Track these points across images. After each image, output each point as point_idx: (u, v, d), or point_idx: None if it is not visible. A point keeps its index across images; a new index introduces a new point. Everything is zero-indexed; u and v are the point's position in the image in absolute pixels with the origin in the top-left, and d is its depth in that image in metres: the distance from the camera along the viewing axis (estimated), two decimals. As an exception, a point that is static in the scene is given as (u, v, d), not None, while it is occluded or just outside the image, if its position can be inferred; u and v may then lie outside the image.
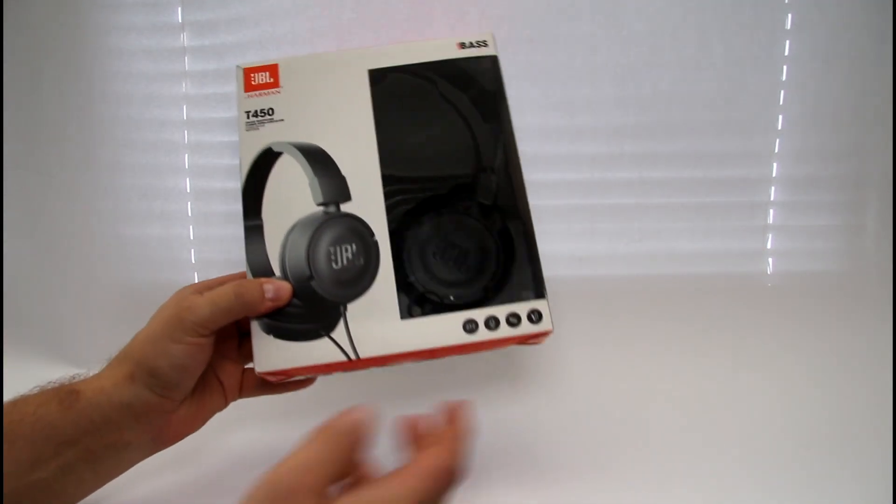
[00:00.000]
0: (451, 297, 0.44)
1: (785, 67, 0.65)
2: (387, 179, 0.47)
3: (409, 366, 0.46)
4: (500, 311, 0.44)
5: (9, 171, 0.71)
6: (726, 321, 0.66)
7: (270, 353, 0.43)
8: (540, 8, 0.64)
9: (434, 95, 0.50)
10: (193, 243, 0.70)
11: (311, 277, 0.45)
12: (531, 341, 0.45)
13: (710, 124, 0.65)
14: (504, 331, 0.43)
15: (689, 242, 0.67)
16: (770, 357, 0.64)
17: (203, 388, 0.45)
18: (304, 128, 0.49)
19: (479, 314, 0.44)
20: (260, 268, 0.46)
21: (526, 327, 0.44)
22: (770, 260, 0.68)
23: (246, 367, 0.49)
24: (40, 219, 0.71)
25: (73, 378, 0.43)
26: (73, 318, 0.71)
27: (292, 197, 0.47)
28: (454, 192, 0.47)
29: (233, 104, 0.67)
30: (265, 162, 0.48)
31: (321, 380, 0.50)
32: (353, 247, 0.46)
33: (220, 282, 0.46)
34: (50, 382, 0.43)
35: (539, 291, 0.45)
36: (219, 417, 0.48)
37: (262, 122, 0.50)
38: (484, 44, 0.52)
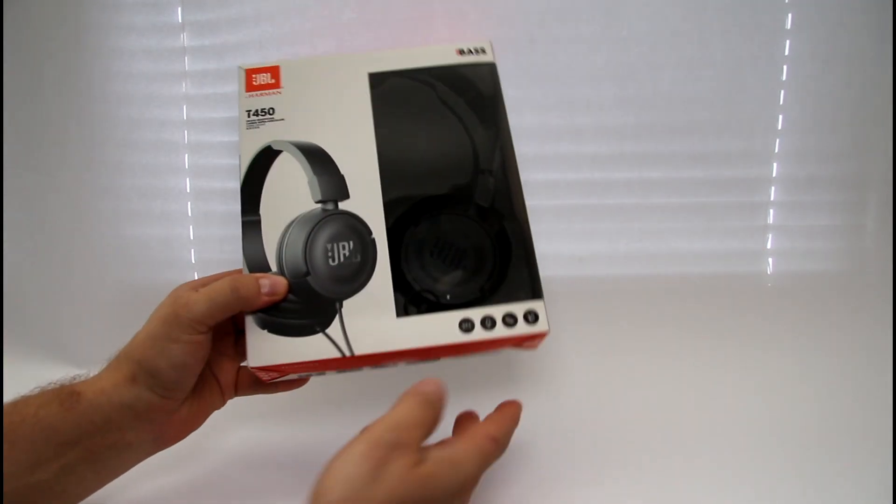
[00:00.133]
0: (448, 297, 0.45)
1: (785, 67, 0.65)
2: (385, 179, 0.48)
3: (404, 370, 0.46)
4: (497, 311, 0.44)
5: (9, 171, 0.71)
6: (726, 321, 0.66)
7: (264, 347, 0.43)
8: (540, 8, 0.64)
9: (433, 99, 0.51)
10: (193, 243, 0.70)
11: (307, 273, 0.45)
12: (526, 345, 0.45)
13: (710, 124, 0.65)
14: (500, 331, 0.43)
15: (689, 242, 0.67)
16: (770, 357, 0.64)
17: (202, 387, 0.45)
18: (304, 128, 0.50)
19: (476, 314, 0.44)
20: (256, 263, 0.46)
21: (522, 328, 0.44)
22: (770, 260, 0.68)
23: (242, 364, 0.49)
24: (40, 219, 0.71)
25: (74, 379, 0.43)
26: (73, 318, 0.71)
27: (291, 194, 0.47)
28: (452, 194, 0.48)
29: (233, 104, 0.67)
30: (265, 159, 0.49)
31: (318, 382, 0.50)
32: (351, 244, 0.46)
33: (216, 278, 0.46)
34: (51, 383, 0.43)
35: (536, 292, 0.45)
36: (217, 417, 0.48)
37: (262, 121, 0.50)
38: (482, 51, 0.53)
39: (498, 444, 0.40)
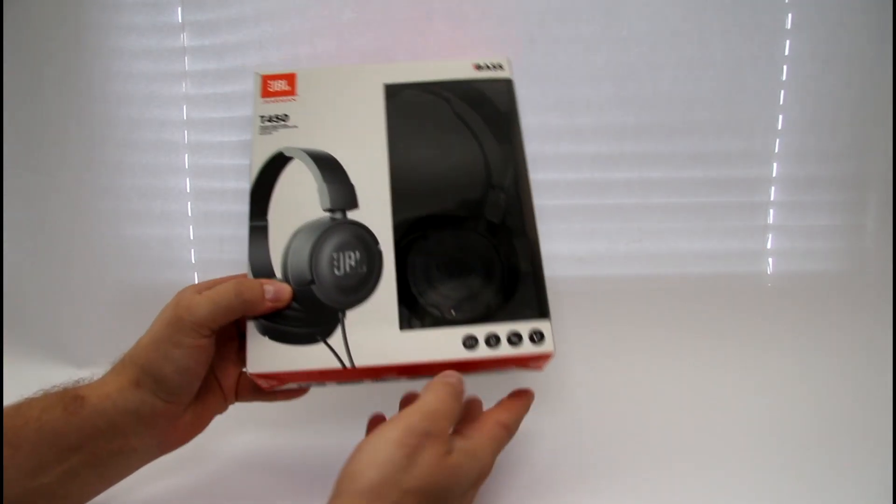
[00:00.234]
0: (453, 312, 0.44)
1: (785, 67, 0.65)
2: (395, 191, 0.47)
3: (406, 382, 0.45)
4: (502, 329, 0.43)
5: (9, 172, 0.71)
6: (726, 321, 0.66)
7: (264, 354, 0.43)
8: (540, 8, 0.64)
9: (448, 113, 0.50)
10: (193, 243, 0.70)
11: (312, 282, 0.45)
12: (532, 366, 0.45)
13: (710, 124, 0.65)
14: (504, 349, 0.43)
15: (689, 242, 0.67)
16: (770, 357, 0.64)
17: (205, 392, 0.45)
18: (317, 135, 0.49)
19: (480, 330, 0.43)
20: (261, 268, 0.45)
21: (527, 347, 0.43)
22: (770, 260, 0.68)
23: (244, 369, 0.49)
24: (40, 219, 0.71)
25: (77, 382, 0.43)
26: (73, 318, 0.71)
27: (300, 201, 0.47)
28: (462, 208, 0.47)
29: (233, 104, 0.68)
30: (276, 165, 0.49)
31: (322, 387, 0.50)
32: (357, 254, 0.45)
33: (221, 282, 0.45)
34: (54, 386, 0.43)
35: (543, 311, 0.44)
36: (220, 420, 0.48)
37: (275, 127, 0.50)
38: (500, 67, 0.53)
39: (509, 431, 0.41)
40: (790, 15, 0.64)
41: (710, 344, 0.65)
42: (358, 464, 0.35)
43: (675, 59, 0.64)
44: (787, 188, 0.67)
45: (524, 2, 0.64)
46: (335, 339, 0.43)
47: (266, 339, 0.43)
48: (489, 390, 0.46)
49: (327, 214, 0.46)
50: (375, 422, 0.46)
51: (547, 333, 0.43)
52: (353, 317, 0.44)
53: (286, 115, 0.50)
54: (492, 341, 0.43)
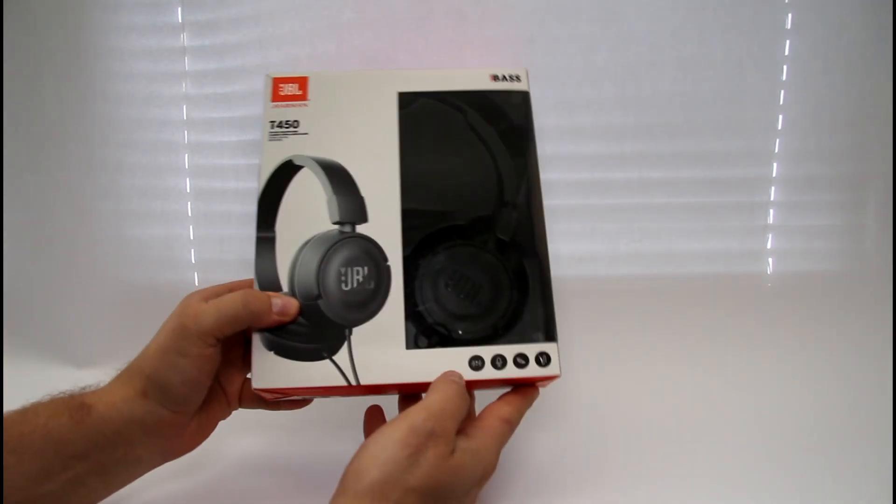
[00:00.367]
0: (460, 332, 0.43)
1: (785, 67, 0.65)
2: (406, 204, 0.46)
3: None
4: (509, 351, 0.43)
5: (9, 171, 0.71)
6: (726, 321, 0.66)
7: (269, 369, 0.42)
8: (540, 8, 0.64)
9: (462, 125, 0.49)
10: (193, 243, 0.70)
11: (319, 297, 0.44)
12: (536, 383, 0.44)
13: (710, 124, 0.65)
14: (510, 371, 0.42)
15: (689, 242, 0.67)
16: (769, 356, 0.64)
17: (210, 399, 0.45)
18: (328, 144, 0.48)
19: (487, 352, 0.43)
20: (268, 281, 0.45)
21: (533, 369, 0.42)
22: (770, 260, 0.68)
23: (248, 376, 0.48)
24: (40, 219, 0.71)
25: (84, 389, 0.43)
26: (73, 318, 0.71)
27: (308, 212, 0.46)
28: (473, 225, 0.46)
29: (233, 104, 0.68)
30: (285, 174, 0.47)
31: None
32: (365, 270, 0.45)
33: (228, 288, 0.45)
34: (61, 392, 0.42)
35: (550, 334, 0.44)
36: (223, 423, 0.48)
37: (285, 134, 0.49)
38: (517, 78, 0.51)
39: (511, 426, 0.41)
40: (790, 15, 0.64)
41: (709, 343, 0.65)
42: (362, 462, 0.35)
43: (675, 59, 0.64)
44: (787, 188, 0.67)
45: (524, 2, 0.64)
46: (341, 355, 0.43)
47: (272, 354, 0.43)
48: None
49: (336, 227, 0.46)
50: (372, 413, 0.46)
51: (553, 356, 0.43)
52: (359, 334, 0.43)
53: (297, 122, 0.49)
54: (498, 363, 0.43)
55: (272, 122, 0.49)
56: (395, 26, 0.64)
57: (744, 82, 0.65)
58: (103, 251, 0.70)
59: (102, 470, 0.41)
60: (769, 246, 0.68)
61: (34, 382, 0.43)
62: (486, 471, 0.39)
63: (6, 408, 0.41)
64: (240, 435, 0.56)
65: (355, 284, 0.44)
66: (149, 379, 0.41)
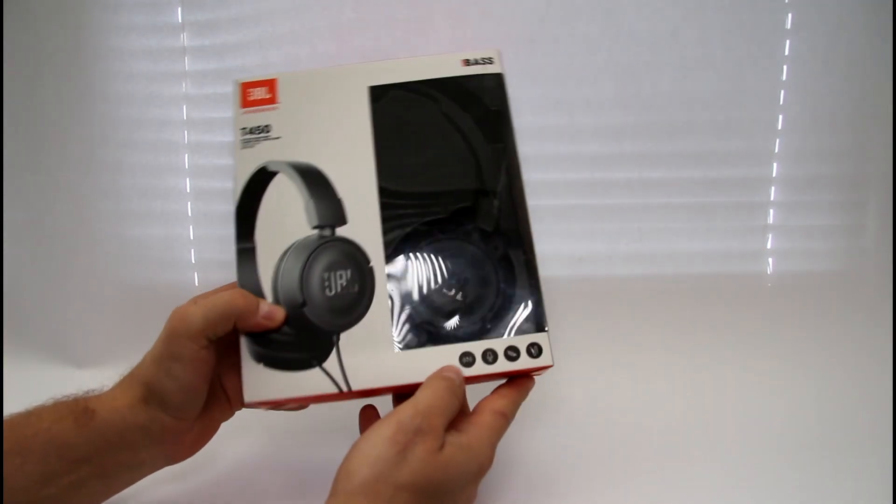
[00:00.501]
0: (448, 328, 0.43)
1: (785, 67, 0.65)
2: (385, 202, 0.46)
3: None
4: (499, 345, 0.43)
5: (9, 172, 0.71)
6: (726, 321, 0.66)
7: (260, 382, 0.42)
8: (540, 8, 0.64)
9: (436, 114, 0.48)
10: (193, 243, 0.70)
11: (303, 304, 0.43)
12: (532, 373, 0.44)
13: (710, 124, 0.65)
14: (502, 364, 0.42)
15: (689, 242, 0.67)
16: (770, 357, 0.64)
17: (212, 403, 0.45)
18: (301, 146, 0.47)
19: (477, 347, 0.42)
20: (252, 292, 0.44)
21: (525, 361, 0.42)
22: (770, 260, 0.68)
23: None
24: (40, 219, 0.71)
25: (88, 393, 0.43)
26: (73, 318, 0.71)
27: (286, 219, 0.45)
28: (454, 217, 0.45)
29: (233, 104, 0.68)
30: (260, 181, 0.47)
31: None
32: (348, 273, 0.44)
33: (217, 292, 0.46)
34: (65, 396, 0.43)
35: (539, 324, 0.43)
36: (224, 424, 0.48)
37: (258, 140, 0.48)
38: (489, 61, 0.50)
39: (506, 419, 0.41)
40: (790, 15, 0.64)
41: (709, 343, 0.65)
42: (352, 462, 0.36)
43: (675, 59, 0.64)
44: (787, 188, 0.67)
45: (524, 2, 0.64)
46: (331, 362, 0.42)
47: (261, 366, 0.42)
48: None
49: (316, 232, 0.45)
50: (366, 413, 0.46)
51: (545, 346, 0.43)
52: (347, 339, 0.43)
53: (268, 126, 0.48)
54: (489, 357, 0.42)
55: (243, 128, 0.48)
56: (395, 26, 0.64)
57: (744, 82, 0.65)
58: (103, 251, 0.70)
59: (104, 473, 0.41)
60: (769, 246, 0.68)
61: (34, 382, 0.43)
62: (481, 466, 0.39)
63: (6, 407, 0.42)
64: (240, 434, 0.56)
65: (339, 289, 0.44)
66: (147, 386, 0.41)
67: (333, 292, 0.44)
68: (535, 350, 0.43)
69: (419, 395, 0.39)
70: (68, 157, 0.69)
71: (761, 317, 0.66)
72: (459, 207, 0.46)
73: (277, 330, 0.43)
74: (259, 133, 0.48)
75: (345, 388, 0.42)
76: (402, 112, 0.48)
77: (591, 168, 0.66)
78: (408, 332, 0.43)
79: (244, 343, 0.43)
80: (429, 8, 0.64)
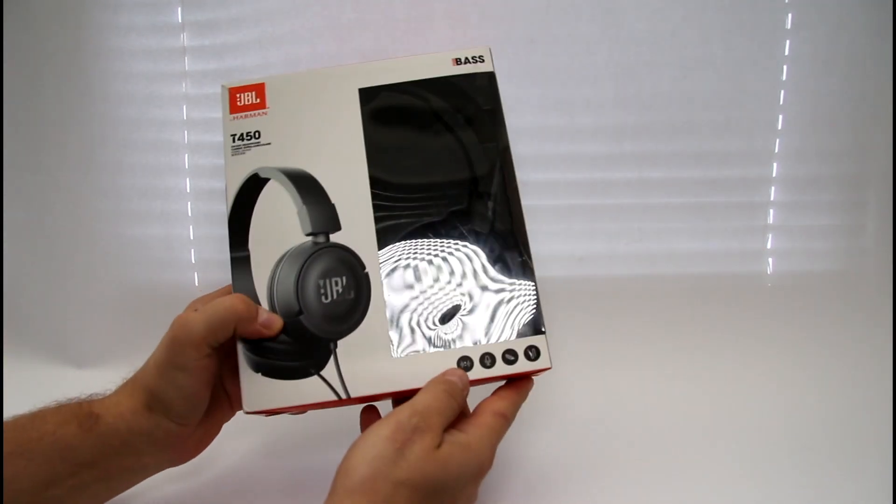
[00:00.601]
0: (446, 333, 0.43)
1: (785, 67, 0.65)
2: (378, 207, 0.45)
3: None
4: (497, 348, 0.42)
5: (9, 172, 0.71)
6: (726, 321, 0.66)
7: (258, 391, 0.42)
8: (540, 8, 0.64)
9: (427, 115, 0.47)
10: (193, 243, 0.70)
11: (300, 312, 0.43)
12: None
13: (710, 124, 0.65)
14: (500, 368, 0.42)
15: (689, 242, 0.67)
16: (770, 357, 0.64)
17: (214, 406, 0.45)
18: (292, 152, 0.47)
19: (475, 351, 0.42)
20: None
21: (523, 364, 0.42)
22: (770, 260, 0.68)
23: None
24: (40, 219, 0.71)
25: (91, 396, 0.43)
26: (73, 318, 0.71)
27: (280, 226, 0.45)
28: (449, 220, 0.45)
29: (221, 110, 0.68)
30: (252, 189, 0.46)
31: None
32: (344, 280, 0.44)
33: (222, 293, 0.46)
34: (69, 399, 0.43)
35: (537, 327, 0.43)
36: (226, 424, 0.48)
37: (248, 147, 0.47)
38: (480, 59, 0.49)
39: (506, 420, 0.41)
40: (790, 15, 0.64)
41: (709, 343, 0.65)
42: (351, 460, 0.36)
43: (675, 59, 0.64)
44: (787, 188, 0.67)
45: (524, 2, 0.64)
46: (329, 370, 0.42)
47: (259, 375, 0.42)
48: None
49: (310, 239, 0.45)
50: (368, 413, 0.46)
51: (543, 349, 0.42)
52: (344, 346, 0.43)
53: (258, 133, 0.47)
54: (487, 361, 0.42)
55: (233, 135, 0.47)
56: (395, 26, 0.64)
57: (744, 82, 0.65)
58: (103, 251, 0.70)
59: (108, 477, 0.42)
60: (769, 246, 0.68)
61: (34, 382, 0.43)
62: (481, 466, 0.39)
63: (6, 407, 0.42)
64: (240, 436, 0.56)
65: (335, 296, 0.43)
66: (151, 394, 0.41)
67: (329, 300, 0.43)
68: (532, 353, 0.42)
69: (418, 396, 0.39)
70: (68, 157, 0.69)
71: (761, 317, 0.66)
72: (454, 210, 0.45)
73: (275, 339, 0.43)
74: (249, 139, 0.47)
75: (343, 396, 0.42)
76: (392, 114, 0.48)
77: (591, 168, 0.66)
78: (405, 337, 0.43)
79: (242, 352, 0.43)
80: (429, 8, 0.64)
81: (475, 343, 0.43)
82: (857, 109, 0.65)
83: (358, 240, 0.45)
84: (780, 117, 0.66)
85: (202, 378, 0.41)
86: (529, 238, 0.45)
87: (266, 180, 0.46)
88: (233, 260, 0.45)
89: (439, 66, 0.49)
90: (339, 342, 0.43)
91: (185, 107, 0.68)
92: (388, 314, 0.43)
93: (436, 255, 0.45)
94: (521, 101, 0.64)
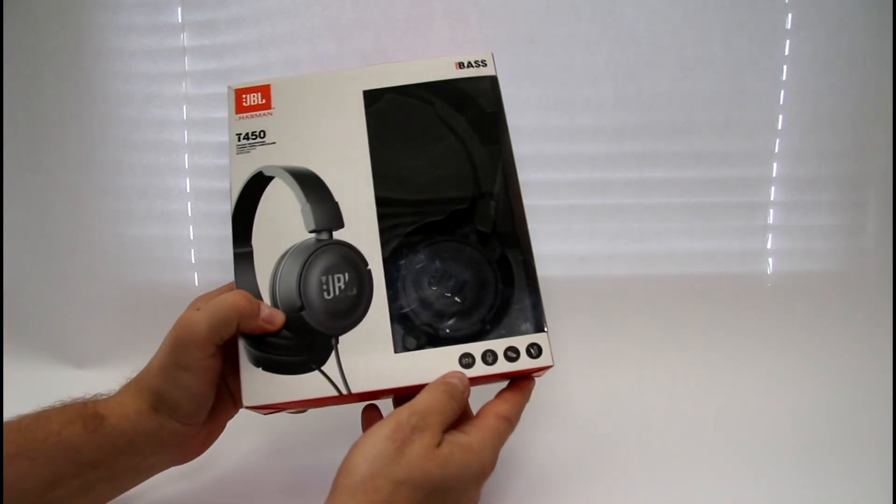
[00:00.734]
0: (447, 330, 0.43)
1: (785, 67, 0.65)
2: (381, 205, 0.46)
3: None
4: (498, 345, 0.43)
5: (9, 172, 0.71)
6: (726, 321, 0.66)
7: (259, 386, 0.42)
8: (540, 8, 0.64)
9: (431, 117, 0.48)
10: (193, 243, 0.70)
11: (302, 308, 0.43)
12: (532, 374, 0.44)
13: (710, 124, 0.65)
14: (502, 365, 0.42)
15: (689, 242, 0.67)
16: (770, 357, 0.64)
17: (218, 402, 0.45)
18: (297, 151, 0.47)
19: (476, 348, 0.42)
20: None
21: (525, 362, 0.42)
22: (770, 260, 0.68)
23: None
24: (40, 219, 0.71)
25: (96, 396, 0.43)
26: (73, 318, 0.71)
27: (283, 223, 0.46)
28: (451, 219, 0.46)
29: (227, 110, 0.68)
30: (256, 186, 0.47)
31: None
32: (346, 276, 0.44)
33: (226, 290, 0.46)
34: (74, 399, 0.43)
35: (538, 324, 0.43)
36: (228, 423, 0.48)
37: (253, 145, 0.48)
38: (483, 63, 0.50)
39: (510, 422, 0.41)
40: (790, 15, 0.64)
41: (709, 343, 0.65)
42: (352, 459, 0.36)
43: (675, 59, 0.64)
44: (787, 188, 0.67)
45: (524, 2, 0.64)
46: (330, 365, 0.42)
47: (259, 370, 0.42)
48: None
49: (313, 236, 0.45)
50: (369, 412, 0.46)
51: (545, 346, 0.43)
52: (346, 341, 0.43)
53: (263, 132, 0.48)
54: (488, 358, 0.42)
55: (238, 134, 0.48)
56: (395, 26, 0.64)
57: (744, 82, 0.65)
58: (103, 251, 0.70)
59: (113, 477, 0.42)
60: (769, 246, 0.68)
61: (34, 382, 0.43)
62: (482, 467, 0.39)
63: (6, 407, 0.42)
64: (242, 435, 0.56)
65: (337, 292, 0.44)
66: (156, 395, 0.41)
67: (332, 296, 0.44)
68: (534, 350, 0.43)
69: (418, 397, 0.39)
70: (68, 157, 0.69)
71: (761, 317, 0.66)
72: (456, 209, 0.46)
73: (276, 334, 0.43)
74: (254, 139, 0.48)
75: (344, 391, 0.42)
76: (396, 115, 0.48)
77: (591, 168, 0.66)
78: (407, 334, 0.43)
79: (243, 347, 0.43)
80: (429, 8, 0.64)
81: (477, 340, 0.43)
82: (857, 109, 0.65)
83: (361, 237, 0.45)
84: (780, 117, 0.66)
85: (207, 378, 0.41)
86: (530, 238, 0.46)
87: (270, 178, 0.47)
88: (236, 256, 0.45)
89: (443, 70, 0.50)
90: (341, 338, 0.43)
91: (185, 107, 0.68)
92: (389, 311, 0.44)
93: (438, 254, 0.45)
94: (522, 101, 0.64)
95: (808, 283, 0.67)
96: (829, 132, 0.66)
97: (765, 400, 0.60)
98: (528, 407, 0.43)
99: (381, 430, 0.37)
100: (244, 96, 0.50)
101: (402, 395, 0.43)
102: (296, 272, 0.44)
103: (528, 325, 0.43)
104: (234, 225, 0.46)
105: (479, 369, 0.42)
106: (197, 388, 0.41)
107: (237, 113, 0.49)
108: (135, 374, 0.44)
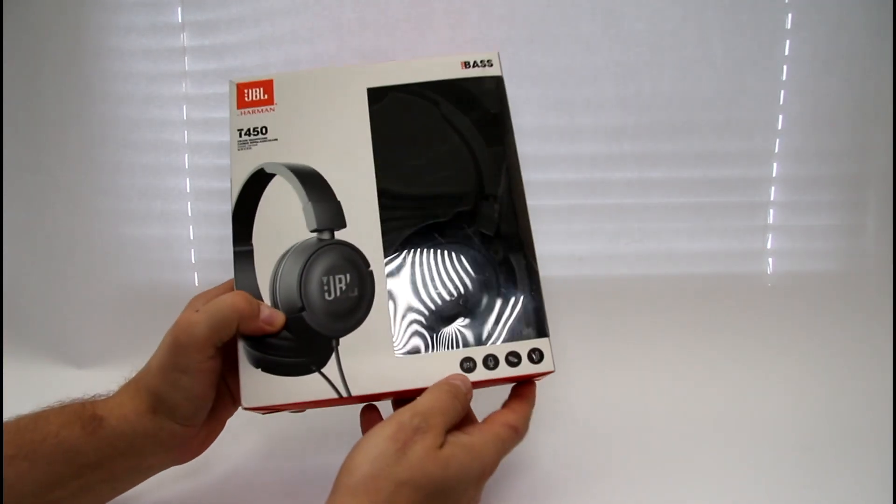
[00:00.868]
0: (449, 334, 0.43)
1: (785, 67, 0.65)
2: (384, 205, 0.45)
3: None
4: (500, 350, 0.42)
5: (9, 172, 0.71)
6: (726, 321, 0.66)
7: (258, 387, 0.42)
8: (540, 8, 0.64)
9: (435, 117, 0.48)
10: (193, 243, 0.70)
11: (302, 309, 0.43)
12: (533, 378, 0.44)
13: (710, 124, 0.65)
14: (503, 370, 0.42)
15: (689, 242, 0.67)
16: (770, 357, 0.64)
17: (218, 402, 0.45)
18: (299, 148, 0.47)
19: (478, 352, 0.42)
20: None
21: (526, 367, 0.42)
22: (770, 260, 0.68)
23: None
24: (40, 219, 0.71)
25: (95, 397, 0.43)
26: (73, 318, 0.71)
27: (284, 222, 0.45)
28: (454, 220, 0.45)
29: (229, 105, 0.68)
30: (257, 184, 0.46)
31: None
32: (348, 277, 0.43)
33: (224, 289, 0.45)
34: (73, 400, 0.43)
35: (541, 329, 0.43)
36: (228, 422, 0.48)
37: (254, 142, 0.47)
38: (489, 63, 0.49)
39: (517, 432, 0.41)
40: (790, 15, 0.64)
41: (710, 343, 0.65)
42: (353, 459, 0.36)
43: (675, 59, 0.64)
44: (787, 188, 0.67)
45: (524, 1, 0.64)
46: (330, 367, 0.42)
47: (259, 371, 0.42)
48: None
49: (314, 235, 0.44)
50: (368, 413, 0.46)
51: (546, 352, 0.42)
52: (346, 343, 0.42)
53: (265, 128, 0.47)
54: (490, 363, 0.42)
55: (239, 130, 0.47)
56: (395, 26, 0.64)
57: (744, 82, 0.65)
58: (103, 251, 0.70)
59: (112, 478, 0.42)
60: (769, 246, 0.68)
61: (34, 382, 0.43)
62: (483, 468, 0.39)
63: (6, 407, 0.42)
64: (242, 436, 0.56)
65: (339, 293, 0.43)
66: (155, 396, 0.41)
67: (333, 297, 0.43)
68: (536, 355, 0.42)
69: (420, 398, 0.39)
70: (68, 157, 0.69)
71: (761, 317, 0.66)
72: (460, 211, 0.45)
73: (276, 335, 0.42)
74: (256, 135, 0.47)
75: (344, 394, 0.42)
76: (401, 114, 0.48)
77: (591, 168, 0.66)
78: (408, 336, 0.43)
79: (242, 348, 0.43)
80: (429, 8, 0.64)
81: (478, 344, 0.42)
82: (857, 109, 0.65)
83: (363, 237, 0.44)
84: (780, 117, 0.66)
85: (206, 380, 0.41)
86: (533, 241, 0.45)
87: (272, 175, 0.46)
88: (236, 254, 0.45)
89: (448, 69, 0.49)
90: (342, 340, 0.43)
91: (185, 107, 0.68)
92: (391, 313, 0.43)
93: (441, 256, 0.45)
94: (522, 101, 0.64)
95: (808, 283, 0.67)
96: (829, 132, 0.66)
97: (765, 400, 0.60)
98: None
99: (383, 431, 0.37)
100: (246, 91, 0.49)
101: (403, 398, 0.43)
102: (296, 272, 0.44)
103: (530, 330, 0.43)
104: (235, 223, 0.45)
105: (481, 373, 0.42)
106: (196, 390, 0.41)
107: (238, 108, 0.48)
108: (133, 375, 0.44)
